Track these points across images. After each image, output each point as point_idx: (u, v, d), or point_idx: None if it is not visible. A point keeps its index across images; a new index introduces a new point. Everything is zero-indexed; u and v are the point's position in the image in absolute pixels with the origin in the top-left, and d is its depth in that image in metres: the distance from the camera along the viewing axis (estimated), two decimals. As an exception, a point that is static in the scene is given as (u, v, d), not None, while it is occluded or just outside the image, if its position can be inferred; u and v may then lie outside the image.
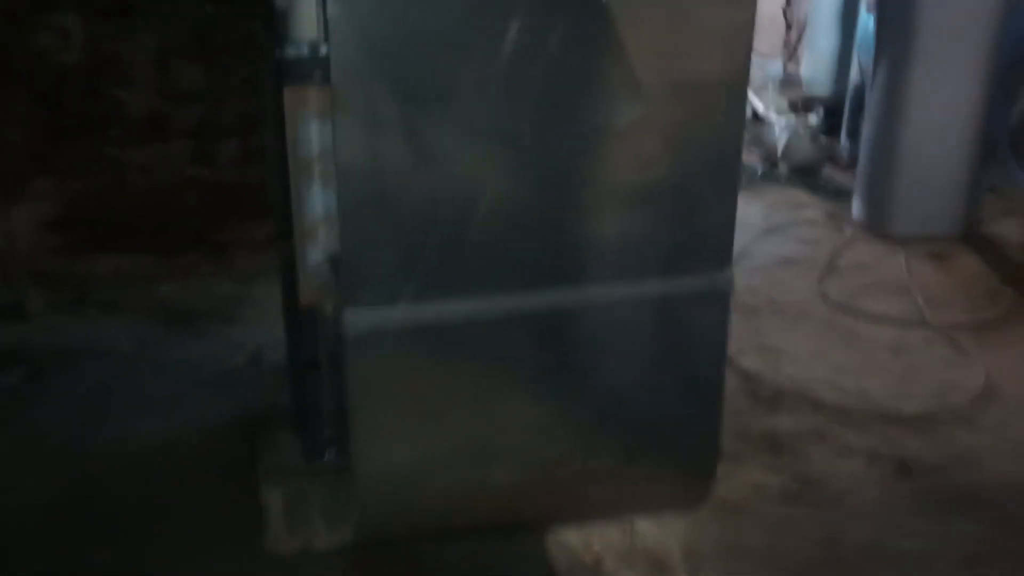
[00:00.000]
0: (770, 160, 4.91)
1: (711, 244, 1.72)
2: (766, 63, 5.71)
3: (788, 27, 5.80)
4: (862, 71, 4.44)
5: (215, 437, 2.56)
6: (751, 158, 5.03)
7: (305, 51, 1.65)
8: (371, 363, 1.74)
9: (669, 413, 1.91)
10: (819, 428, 2.70)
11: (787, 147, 4.87)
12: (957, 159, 3.89)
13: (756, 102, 5.24)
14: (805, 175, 4.77)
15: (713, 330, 1.78)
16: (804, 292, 3.60)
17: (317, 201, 1.73)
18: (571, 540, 2.15)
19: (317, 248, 1.78)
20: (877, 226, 4.04)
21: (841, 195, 4.41)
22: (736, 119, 1.66)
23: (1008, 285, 3.51)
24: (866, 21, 4.45)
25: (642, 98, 1.58)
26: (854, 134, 4.51)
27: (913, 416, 2.74)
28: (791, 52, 5.75)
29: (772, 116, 5.10)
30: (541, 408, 1.86)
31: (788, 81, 5.58)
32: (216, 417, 2.65)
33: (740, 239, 4.22)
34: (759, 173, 4.84)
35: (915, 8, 3.72)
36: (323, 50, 1.62)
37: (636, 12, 1.55)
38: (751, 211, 4.48)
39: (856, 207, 4.19)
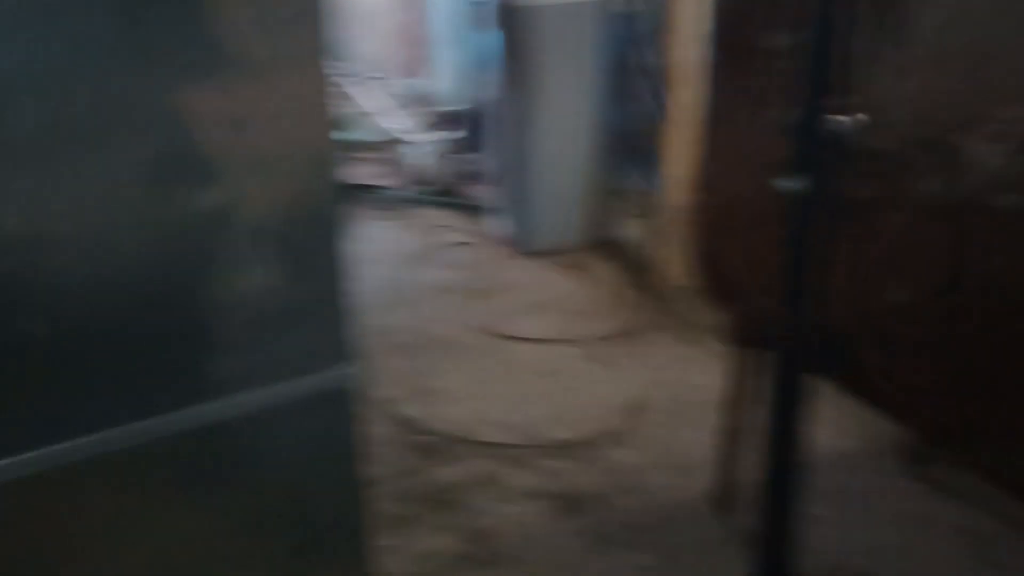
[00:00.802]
0: (411, 182, 4.81)
1: (322, 340, 1.48)
2: (398, 80, 5.62)
3: (414, 42, 5.75)
4: (488, 87, 4.46)
5: None
6: (391, 182, 4.91)
7: None
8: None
9: (313, 521, 1.66)
10: (486, 473, 2.59)
11: (427, 167, 4.80)
12: (580, 168, 4.01)
13: (391, 122, 5.13)
14: (448, 195, 4.72)
15: (337, 432, 1.55)
16: (459, 321, 3.52)
17: None
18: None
19: None
20: (521, 242, 4.08)
21: (485, 213, 4.41)
22: (328, 195, 1.44)
23: (642, 290, 3.66)
24: (481, 38, 4.47)
25: (217, 179, 1.31)
26: (492, 150, 4.53)
27: (576, 444, 2.72)
28: (421, 68, 5.71)
29: (409, 136, 5.01)
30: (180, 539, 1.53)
31: (422, 98, 5.53)
32: None
33: (388, 270, 4.22)
34: (400, 197, 4.73)
35: (530, 26, 3.77)
36: None
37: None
38: (396, 239, 4.35)
39: (501, 224, 4.20)
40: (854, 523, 2.33)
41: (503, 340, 3.36)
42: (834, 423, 2.50)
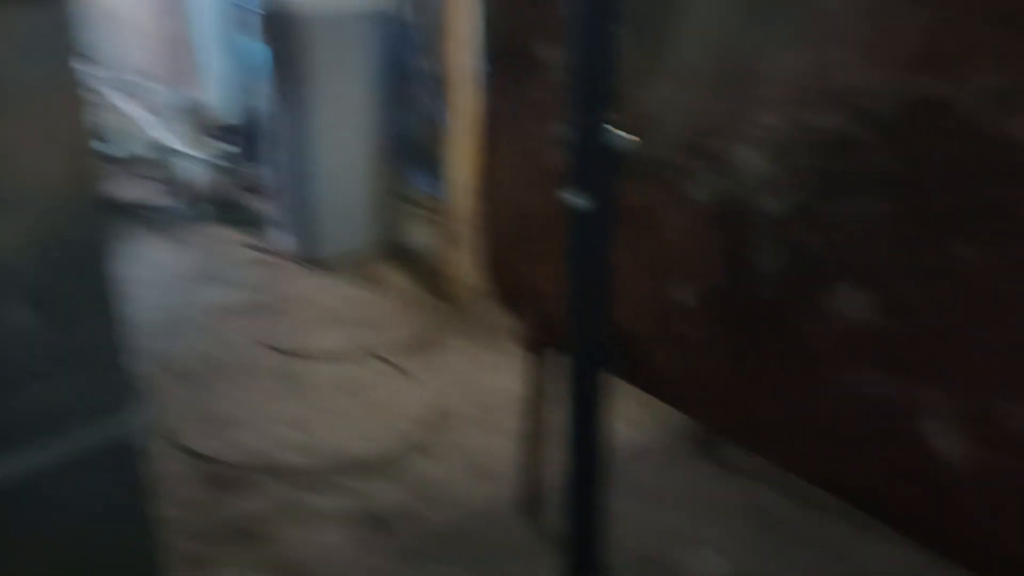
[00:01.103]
0: (187, 198, 4.55)
1: (98, 386, 1.36)
2: (166, 90, 5.29)
3: (180, 49, 5.44)
4: (260, 97, 4.30)
5: None
6: (165, 199, 4.63)
7: None
8: None
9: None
10: (290, 500, 2.49)
11: (202, 182, 4.56)
12: (364, 177, 3.96)
13: (162, 135, 4.83)
14: (227, 210, 4.51)
15: (124, 479, 1.43)
16: (247, 342, 3.37)
17: None
18: None
19: None
20: (309, 255, 3.97)
21: (266, 227, 4.25)
22: (91, 225, 1.31)
23: (436, 296, 3.66)
24: (249, 45, 4.31)
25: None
26: (270, 161, 4.37)
27: (379, 460, 2.67)
28: (189, 77, 5.41)
29: (184, 149, 4.73)
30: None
31: (193, 109, 5.24)
32: None
33: (167, 294, 3.98)
34: (176, 214, 4.47)
35: (301, 36, 3.67)
36: None
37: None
38: (174, 259, 4.11)
39: (285, 238, 4.06)
40: (650, 512, 2.43)
41: (296, 358, 3.26)
42: (628, 417, 2.60)
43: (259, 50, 4.04)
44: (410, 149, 4.00)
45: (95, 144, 1.35)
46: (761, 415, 1.66)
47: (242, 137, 4.71)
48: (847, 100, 1.39)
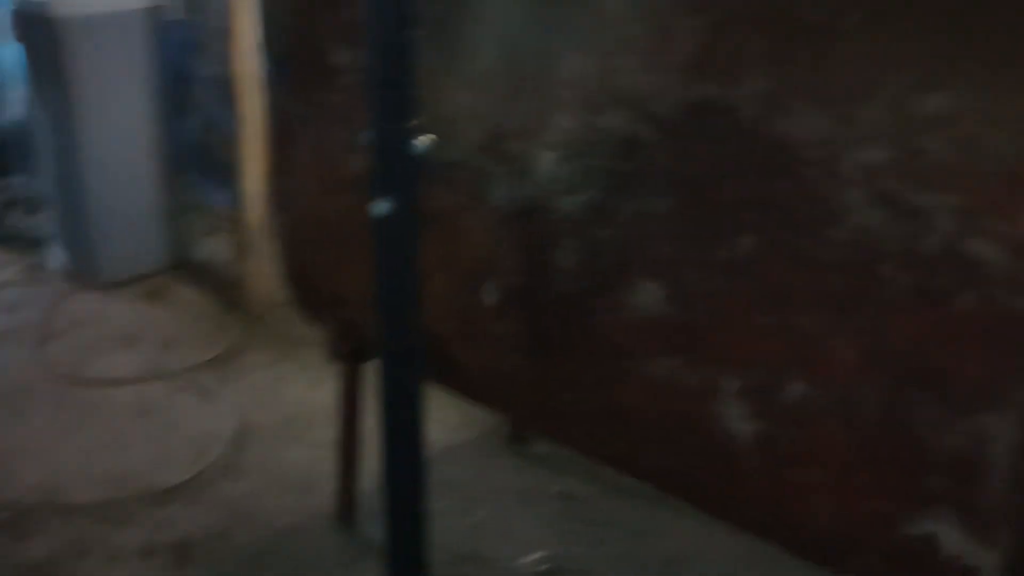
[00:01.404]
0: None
1: None
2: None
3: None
4: (17, 104, 3.98)
5: None
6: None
7: None
8: None
9: None
10: (82, 539, 2.32)
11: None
12: (147, 188, 3.75)
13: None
14: (-7, 227, 4.14)
15: None
16: (25, 369, 3.11)
17: None
18: None
19: None
20: (86, 274, 3.70)
21: (37, 244, 3.93)
22: None
23: (233, 310, 3.52)
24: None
25: None
26: (34, 172, 4.05)
27: (180, 485, 2.54)
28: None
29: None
30: None
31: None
32: None
33: None
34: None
35: (58, 36, 3.41)
36: None
37: None
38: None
39: (57, 256, 3.78)
40: (461, 509, 2.46)
41: (81, 385, 3.04)
42: (434, 418, 2.61)
43: (12, 52, 3.73)
44: (197, 158, 3.82)
45: None
46: (565, 406, 1.72)
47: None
48: (632, 103, 1.47)
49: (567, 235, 1.60)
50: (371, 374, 1.99)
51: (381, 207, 1.45)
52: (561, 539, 2.36)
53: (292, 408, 2.94)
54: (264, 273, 3.43)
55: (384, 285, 1.53)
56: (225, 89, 3.33)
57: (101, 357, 3.21)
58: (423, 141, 1.45)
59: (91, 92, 3.49)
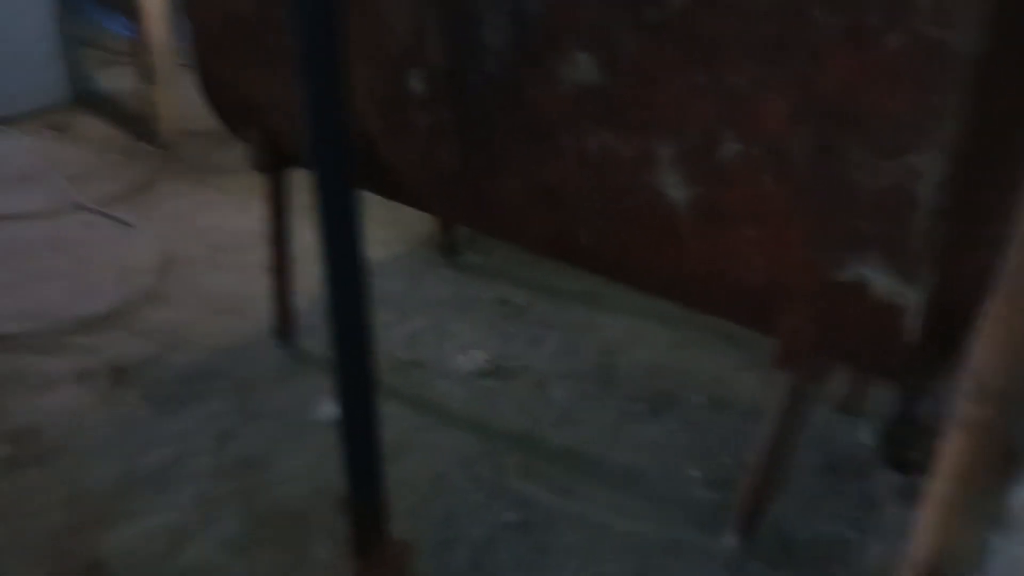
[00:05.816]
0: None
1: None
2: None
3: None
4: None
5: None
6: None
7: None
8: None
9: None
10: (15, 368, 2.27)
11: None
12: (38, 19, 3.49)
13: None
14: None
15: None
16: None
17: None
18: None
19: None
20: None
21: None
22: None
23: (142, 140, 3.37)
24: None
25: None
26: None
27: (110, 314, 2.49)
28: None
29: None
30: None
31: None
32: None
33: None
34: None
35: None
36: None
37: None
38: None
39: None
40: (401, 320, 2.47)
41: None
42: (368, 236, 2.58)
43: None
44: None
45: None
46: (499, 194, 1.70)
47: None
48: None
49: (493, 10, 1.53)
50: (296, 190, 1.94)
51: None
52: (499, 340, 2.40)
53: (213, 235, 2.87)
54: (172, 101, 3.27)
55: (307, 82, 1.45)
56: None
57: (6, 194, 3.06)
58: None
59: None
